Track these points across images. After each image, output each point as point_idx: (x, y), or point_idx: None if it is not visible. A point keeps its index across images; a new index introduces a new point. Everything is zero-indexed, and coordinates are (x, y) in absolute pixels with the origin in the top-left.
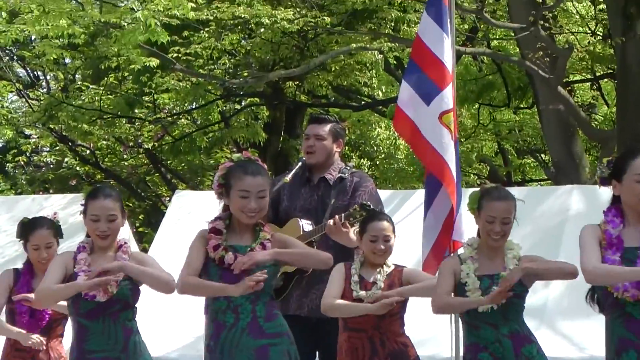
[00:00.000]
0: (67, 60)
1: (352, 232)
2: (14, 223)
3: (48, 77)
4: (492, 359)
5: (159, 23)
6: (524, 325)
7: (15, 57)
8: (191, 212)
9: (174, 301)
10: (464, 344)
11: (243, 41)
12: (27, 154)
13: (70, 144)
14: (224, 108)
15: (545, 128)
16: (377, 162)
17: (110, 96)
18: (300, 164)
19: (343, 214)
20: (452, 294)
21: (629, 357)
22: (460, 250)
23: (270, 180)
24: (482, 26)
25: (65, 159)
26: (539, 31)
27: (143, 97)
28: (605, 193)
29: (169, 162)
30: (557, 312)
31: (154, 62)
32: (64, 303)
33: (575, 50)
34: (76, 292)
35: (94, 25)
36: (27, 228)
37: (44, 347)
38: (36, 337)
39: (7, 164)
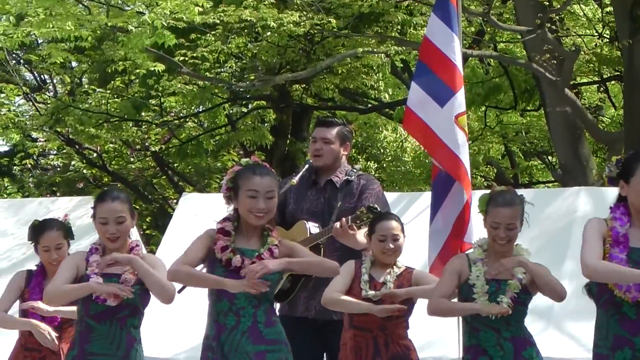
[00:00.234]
0: (74, 63)
1: (360, 235)
2: (21, 226)
3: (55, 81)
4: None
5: (166, 26)
6: (525, 328)
7: (22, 61)
8: (198, 214)
9: (181, 303)
10: (464, 345)
11: (249, 44)
12: (34, 157)
13: (77, 147)
14: (231, 111)
15: (553, 130)
16: (384, 165)
17: (117, 99)
18: (307, 166)
19: (350, 217)
20: (455, 295)
21: (624, 355)
22: (470, 251)
23: (279, 183)
24: (488, 29)
25: (72, 162)
26: (545, 34)
27: (150, 101)
28: (612, 195)
29: (175, 165)
30: (564, 314)
31: (160, 67)
32: (72, 308)
33: (582, 52)
34: (88, 292)
35: (100, 28)
36: (37, 230)
37: (56, 347)
38: (48, 334)
39: (14, 167)
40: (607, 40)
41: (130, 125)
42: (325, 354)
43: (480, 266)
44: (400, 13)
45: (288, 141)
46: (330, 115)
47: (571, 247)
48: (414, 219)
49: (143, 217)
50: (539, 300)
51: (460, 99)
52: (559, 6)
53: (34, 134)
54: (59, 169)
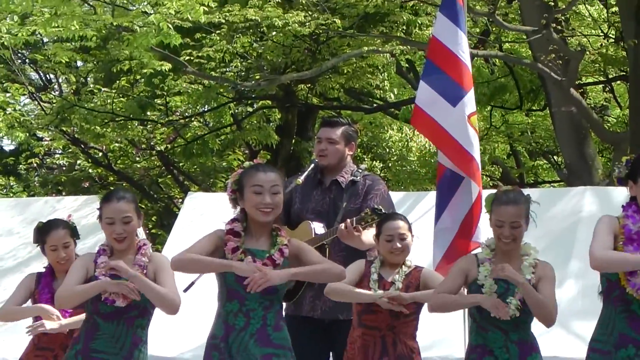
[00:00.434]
0: (79, 63)
1: (365, 236)
2: (27, 225)
3: (60, 80)
4: None
5: (171, 26)
6: (531, 334)
7: (27, 60)
8: (203, 213)
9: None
10: (470, 344)
11: (255, 44)
12: (40, 156)
13: (82, 146)
14: (236, 111)
15: (558, 130)
16: (390, 164)
17: (122, 99)
18: (312, 165)
19: (354, 218)
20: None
21: (628, 353)
22: (478, 250)
23: (284, 180)
24: (494, 29)
25: (78, 161)
26: (551, 34)
27: (155, 100)
28: (618, 194)
29: (181, 164)
30: (571, 313)
31: (166, 66)
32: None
33: (588, 52)
34: (99, 291)
35: (105, 28)
36: (43, 231)
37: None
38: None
39: (20, 167)
40: (613, 40)
41: (136, 124)
42: (332, 353)
43: (487, 266)
44: (405, 13)
45: (293, 141)
46: (336, 115)
47: (577, 247)
48: (419, 219)
49: (148, 217)
50: None
51: (471, 98)
52: (564, 6)
53: (40, 133)
54: (64, 168)
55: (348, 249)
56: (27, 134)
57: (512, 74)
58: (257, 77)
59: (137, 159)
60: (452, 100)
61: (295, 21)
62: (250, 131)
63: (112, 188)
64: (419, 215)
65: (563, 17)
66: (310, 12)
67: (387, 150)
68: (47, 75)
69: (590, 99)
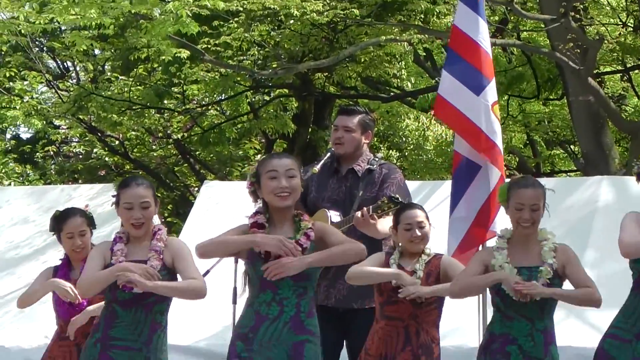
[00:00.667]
0: (97, 51)
1: (381, 224)
2: (43, 213)
3: (78, 68)
4: (520, 353)
5: (189, 14)
6: (553, 323)
7: (45, 48)
8: (219, 202)
9: None
10: (490, 332)
11: (272, 32)
12: (57, 144)
13: (99, 134)
14: (253, 99)
15: (575, 119)
16: (406, 154)
17: (139, 87)
18: (328, 154)
19: (371, 206)
20: None
21: None
22: (492, 242)
23: (300, 165)
24: (512, 18)
25: (95, 150)
26: (569, 23)
27: (172, 88)
28: (635, 184)
29: (197, 152)
30: None
31: (184, 53)
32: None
33: (606, 41)
34: (119, 272)
35: (123, 16)
36: (60, 219)
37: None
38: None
39: (37, 154)
40: (631, 29)
41: (153, 112)
42: (346, 341)
43: (498, 254)
44: (423, 1)
45: (310, 129)
46: (352, 104)
47: (592, 237)
48: (435, 207)
49: (164, 205)
50: None
51: (493, 87)
52: None
53: (57, 122)
54: (81, 156)
55: (364, 238)
56: (44, 122)
57: (530, 63)
58: (275, 65)
59: (154, 147)
60: (475, 89)
61: (313, 10)
62: (267, 120)
63: (127, 176)
64: (435, 204)
65: (581, 6)
66: (328, 1)
67: (404, 139)
68: (65, 64)
69: (608, 88)
